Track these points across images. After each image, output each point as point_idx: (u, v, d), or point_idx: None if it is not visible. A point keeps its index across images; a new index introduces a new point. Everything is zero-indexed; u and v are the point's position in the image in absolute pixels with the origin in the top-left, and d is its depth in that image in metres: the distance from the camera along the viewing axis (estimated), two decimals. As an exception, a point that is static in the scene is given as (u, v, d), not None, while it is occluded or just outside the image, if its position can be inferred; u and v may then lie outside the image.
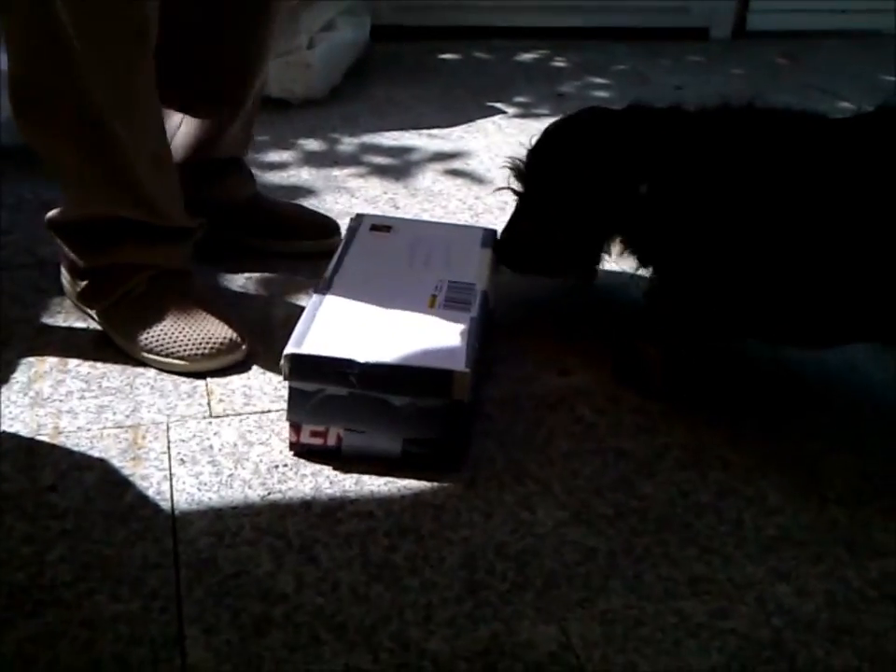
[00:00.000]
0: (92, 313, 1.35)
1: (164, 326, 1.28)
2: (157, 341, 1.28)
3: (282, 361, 1.11)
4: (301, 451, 1.15)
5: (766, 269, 1.18)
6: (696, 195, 1.23)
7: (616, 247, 1.41)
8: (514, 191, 1.44)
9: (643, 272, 1.38)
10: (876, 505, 1.12)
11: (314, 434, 1.14)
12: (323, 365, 1.10)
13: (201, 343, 1.27)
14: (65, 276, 1.39)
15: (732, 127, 1.25)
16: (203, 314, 1.31)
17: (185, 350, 1.27)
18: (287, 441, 1.16)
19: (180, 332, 1.28)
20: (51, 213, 1.34)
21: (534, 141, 1.41)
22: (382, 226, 1.41)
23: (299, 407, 1.13)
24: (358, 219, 1.45)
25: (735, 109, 1.26)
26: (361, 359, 1.10)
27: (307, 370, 1.11)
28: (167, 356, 1.27)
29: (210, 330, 1.29)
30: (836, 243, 1.12)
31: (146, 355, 1.29)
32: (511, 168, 1.42)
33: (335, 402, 1.11)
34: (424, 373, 1.11)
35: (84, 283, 1.34)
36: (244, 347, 1.30)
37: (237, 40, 1.37)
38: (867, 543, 1.06)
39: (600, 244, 1.39)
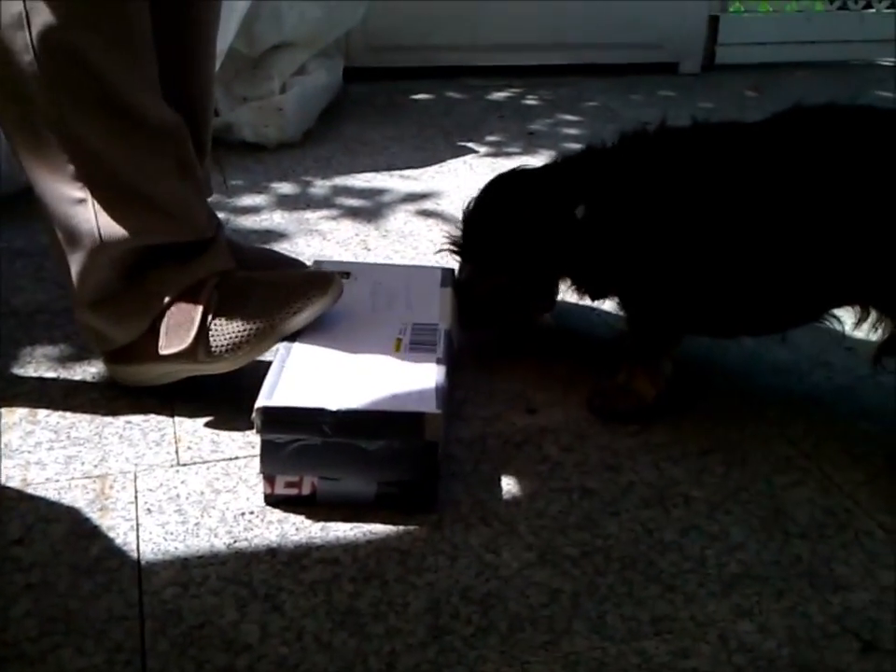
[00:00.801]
0: (206, 364, 1.28)
1: (262, 300, 1.27)
2: (270, 315, 1.25)
3: (253, 415, 1.12)
4: (275, 502, 1.15)
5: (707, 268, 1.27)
6: (635, 211, 1.29)
7: (565, 283, 1.45)
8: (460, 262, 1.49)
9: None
10: (839, 539, 1.13)
11: (288, 485, 1.15)
12: (295, 415, 1.11)
13: (306, 287, 1.27)
14: (137, 363, 1.33)
15: (652, 146, 1.33)
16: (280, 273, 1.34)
17: (298, 303, 1.25)
18: (257, 489, 1.17)
19: (279, 290, 1.27)
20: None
21: (469, 208, 1.46)
22: (341, 273, 1.42)
23: (272, 459, 1.13)
24: (317, 267, 1.46)
25: (650, 130, 1.34)
26: (333, 407, 1.11)
27: (279, 421, 1.12)
28: (298, 312, 1.25)
29: (300, 275, 1.31)
30: (762, 237, 1.24)
31: (293, 320, 1.26)
32: (449, 245, 1.48)
33: (308, 452, 1.12)
34: (396, 417, 1.12)
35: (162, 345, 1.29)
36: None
37: (191, 80, 1.39)
38: (829, 577, 1.07)
39: (552, 280, 1.43)
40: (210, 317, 1.26)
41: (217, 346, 1.26)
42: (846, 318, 1.31)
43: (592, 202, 1.32)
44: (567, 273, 1.41)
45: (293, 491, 1.15)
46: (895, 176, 1.19)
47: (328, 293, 1.26)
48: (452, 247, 1.48)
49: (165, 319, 1.28)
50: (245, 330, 1.25)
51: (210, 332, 1.26)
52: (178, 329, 1.27)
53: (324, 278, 1.28)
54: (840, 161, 1.21)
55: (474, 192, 1.47)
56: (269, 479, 1.14)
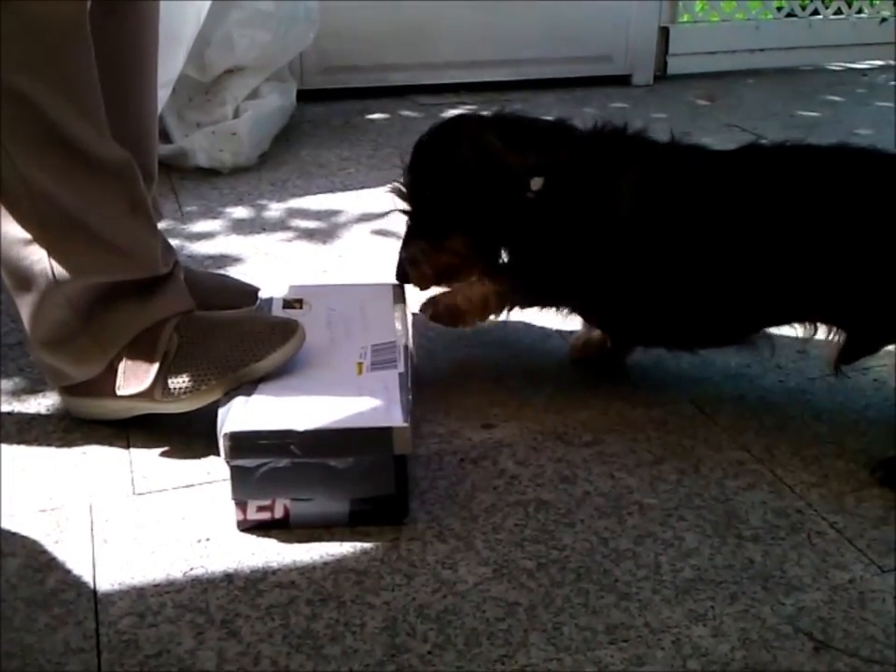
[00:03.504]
0: (164, 403, 1.28)
1: (225, 345, 1.26)
2: (232, 360, 1.25)
3: (221, 441, 1.12)
4: (248, 527, 1.15)
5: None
6: (593, 213, 1.31)
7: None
8: (403, 211, 1.44)
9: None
10: (791, 540, 1.15)
11: (260, 509, 1.15)
12: (263, 438, 1.12)
13: (269, 334, 1.26)
14: (94, 398, 1.32)
15: (625, 149, 1.34)
16: (243, 317, 1.33)
17: (261, 350, 1.25)
18: (214, 516, 1.17)
19: (242, 337, 1.26)
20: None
21: (408, 158, 1.42)
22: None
23: (242, 484, 1.13)
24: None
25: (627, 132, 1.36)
26: (300, 428, 1.11)
27: (248, 446, 1.12)
28: (260, 359, 1.24)
29: (264, 322, 1.29)
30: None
31: (255, 367, 1.24)
32: (392, 191, 1.43)
33: (279, 474, 1.13)
34: (364, 433, 1.13)
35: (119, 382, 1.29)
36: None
37: (134, 107, 1.39)
38: (782, 579, 1.09)
39: (498, 244, 1.40)
40: (169, 360, 1.26)
41: (175, 388, 1.26)
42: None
43: (552, 177, 1.32)
44: (507, 243, 1.39)
45: (266, 515, 1.15)
46: (848, 207, 1.23)
47: (290, 342, 1.25)
48: (396, 192, 1.44)
49: (123, 361, 1.28)
50: (204, 375, 1.25)
51: (168, 375, 1.26)
52: (136, 370, 1.27)
53: (287, 326, 1.27)
54: (797, 187, 1.26)
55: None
56: (240, 505, 1.15)
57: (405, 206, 1.44)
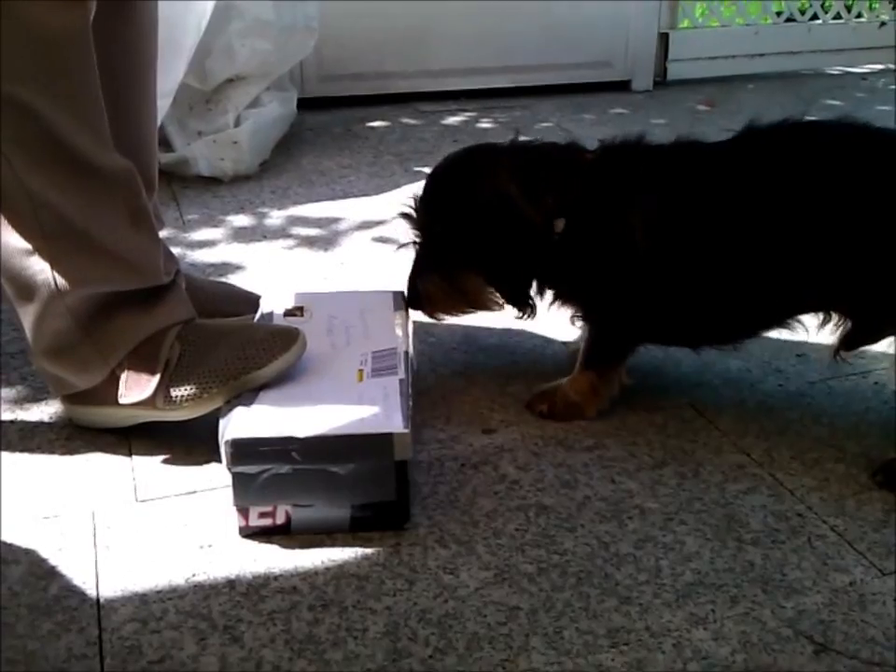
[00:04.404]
0: (166, 411, 1.28)
1: (226, 353, 1.26)
2: (233, 367, 1.25)
3: (222, 448, 1.13)
4: (250, 534, 1.16)
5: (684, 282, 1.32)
6: (614, 230, 1.31)
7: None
8: (416, 243, 1.43)
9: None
10: (792, 544, 1.15)
11: (262, 515, 1.15)
12: (264, 445, 1.12)
13: (270, 342, 1.26)
14: (98, 406, 1.33)
15: (631, 165, 1.34)
16: (245, 325, 1.33)
17: (263, 358, 1.25)
18: (216, 522, 1.17)
19: (244, 345, 1.26)
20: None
21: (424, 187, 1.41)
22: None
23: (244, 491, 1.14)
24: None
25: (626, 146, 1.36)
26: (301, 434, 1.12)
27: (249, 452, 1.12)
28: (261, 367, 1.24)
29: (265, 329, 1.29)
30: (726, 259, 1.29)
31: (256, 375, 1.24)
32: (403, 216, 1.42)
33: (280, 480, 1.13)
34: (365, 439, 1.13)
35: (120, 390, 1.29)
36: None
37: (134, 117, 1.40)
38: (782, 582, 1.09)
39: (525, 282, 1.39)
40: (171, 369, 1.27)
41: (177, 396, 1.26)
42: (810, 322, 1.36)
43: (571, 216, 1.33)
44: (538, 279, 1.39)
45: (267, 521, 1.15)
46: (852, 193, 1.24)
47: (291, 349, 1.25)
48: (408, 220, 1.43)
49: (125, 370, 1.29)
50: (205, 383, 1.25)
51: (170, 383, 1.27)
52: (138, 378, 1.28)
53: (288, 334, 1.27)
54: (800, 179, 1.26)
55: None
56: (242, 511, 1.15)
57: (415, 234, 1.43)
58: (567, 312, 1.42)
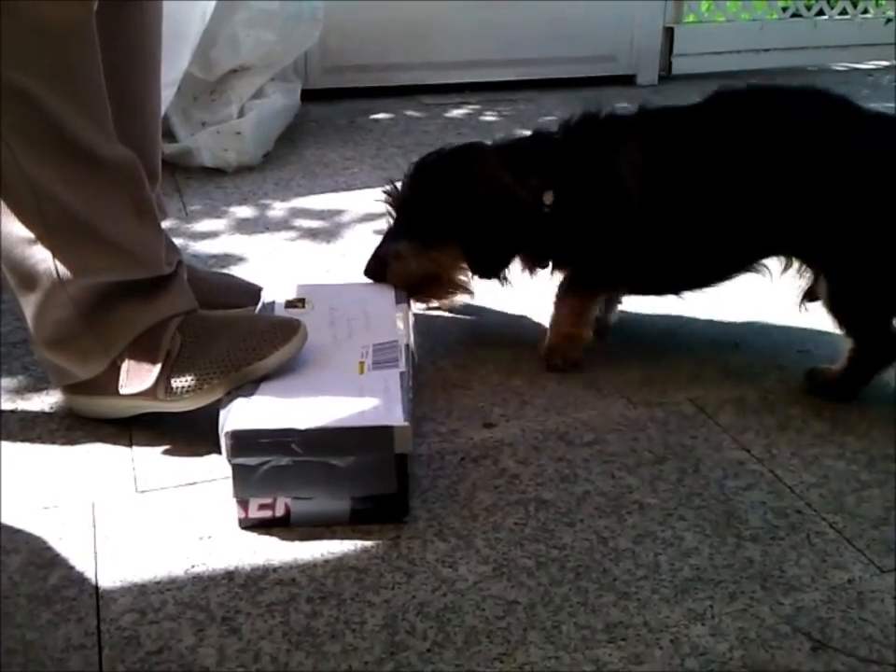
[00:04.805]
0: (167, 402, 1.28)
1: (227, 344, 1.26)
2: (234, 359, 1.25)
3: (222, 440, 1.13)
4: (249, 525, 1.16)
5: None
6: (598, 195, 1.45)
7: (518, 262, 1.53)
8: (392, 215, 1.53)
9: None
10: (791, 540, 1.15)
11: (262, 507, 1.15)
12: (265, 437, 1.12)
13: (271, 333, 1.26)
14: (100, 396, 1.33)
15: (602, 133, 1.48)
16: (246, 316, 1.34)
17: (264, 349, 1.25)
18: (216, 514, 1.18)
19: (245, 336, 1.26)
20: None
21: (413, 171, 1.52)
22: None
23: (244, 482, 1.14)
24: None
25: (595, 119, 1.48)
26: (301, 426, 1.12)
27: (249, 444, 1.12)
28: (262, 359, 1.24)
29: (266, 321, 1.30)
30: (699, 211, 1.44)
31: (257, 366, 1.24)
32: (387, 194, 1.53)
33: (280, 473, 1.13)
34: (365, 432, 1.13)
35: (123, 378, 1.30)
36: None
37: (138, 107, 1.40)
38: (781, 579, 1.09)
39: (509, 259, 1.51)
40: (172, 359, 1.27)
41: (178, 387, 1.26)
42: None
43: (558, 189, 1.45)
44: (528, 249, 1.51)
45: (267, 513, 1.15)
46: (805, 150, 1.38)
47: (292, 341, 1.25)
48: (392, 209, 1.54)
49: (126, 360, 1.29)
50: (206, 374, 1.25)
51: (171, 374, 1.27)
52: (139, 369, 1.28)
53: (289, 326, 1.27)
54: (762, 135, 1.40)
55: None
56: (242, 503, 1.15)
57: (392, 211, 1.53)
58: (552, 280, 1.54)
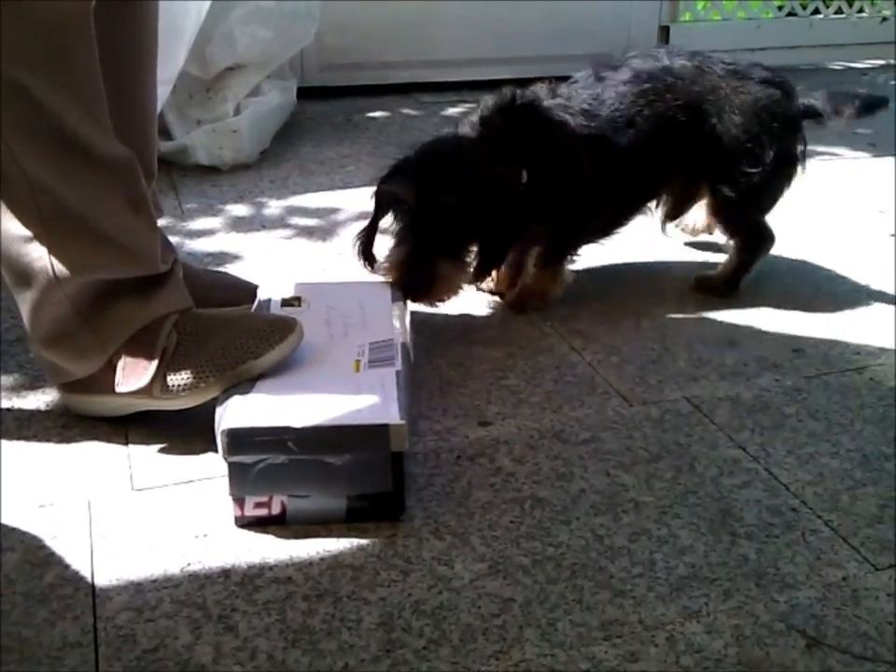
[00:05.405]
0: (163, 400, 1.28)
1: (223, 342, 1.26)
2: (230, 357, 1.25)
3: (219, 438, 1.13)
4: (246, 524, 1.16)
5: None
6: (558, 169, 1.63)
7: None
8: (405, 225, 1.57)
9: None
10: (785, 538, 1.15)
11: (258, 505, 1.15)
12: (260, 435, 1.12)
13: (267, 331, 1.26)
14: (95, 395, 1.33)
15: (533, 117, 1.63)
16: (242, 315, 1.34)
17: (260, 348, 1.25)
18: (212, 512, 1.18)
19: (241, 334, 1.26)
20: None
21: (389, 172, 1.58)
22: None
23: (240, 480, 1.14)
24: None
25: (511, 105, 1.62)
26: (297, 424, 1.12)
27: (245, 442, 1.12)
28: (258, 357, 1.24)
29: (262, 319, 1.30)
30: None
31: (253, 364, 1.24)
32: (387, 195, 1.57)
33: (276, 471, 1.13)
34: (361, 430, 1.13)
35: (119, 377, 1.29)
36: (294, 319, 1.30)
37: (134, 104, 1.40)
38: (776, 576, 1.09)
39: (507, 242, 1.63)
40: (168, 357, 1.27)
41: (174, 385, 1.26)
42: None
43: (529, 167, 1.58)
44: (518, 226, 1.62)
45: (263, 511, 1.16)
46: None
47: (288, 339, 1.25)
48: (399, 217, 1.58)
49: (122, 357, 1.29)
50: (203, 372, 1.25)
51: (167, 372, 1.27)
52: (135, 367, 1.28)
53: (285, 324, 1.27)
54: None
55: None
56: (238, 501, 1.15)
57: (402, 216, 1.56)
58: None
